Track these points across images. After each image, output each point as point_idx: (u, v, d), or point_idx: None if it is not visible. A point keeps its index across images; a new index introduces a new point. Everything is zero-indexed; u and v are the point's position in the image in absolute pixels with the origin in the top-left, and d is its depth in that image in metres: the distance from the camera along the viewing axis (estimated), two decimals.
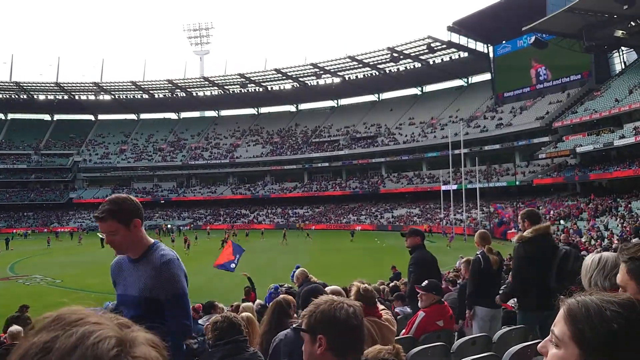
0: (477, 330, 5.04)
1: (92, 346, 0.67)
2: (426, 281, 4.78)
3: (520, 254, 4.78)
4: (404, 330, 4.81)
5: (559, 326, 1.06)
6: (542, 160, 50.02)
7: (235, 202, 72.64)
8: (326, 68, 72.51)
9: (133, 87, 79.43)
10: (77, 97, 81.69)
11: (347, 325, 1.66)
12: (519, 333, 4.20)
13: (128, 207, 2.42)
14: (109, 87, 79.61)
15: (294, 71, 74.15)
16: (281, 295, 5.03)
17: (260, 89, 79.87)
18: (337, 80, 75.65)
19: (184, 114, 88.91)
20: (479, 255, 5.40)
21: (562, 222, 36.81)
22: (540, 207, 43.70)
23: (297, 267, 8.32)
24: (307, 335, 1.70)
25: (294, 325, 1.90)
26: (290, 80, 77.25)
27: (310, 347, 1.70)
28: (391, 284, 10.85)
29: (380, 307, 3.66)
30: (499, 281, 5.89)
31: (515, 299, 5.22)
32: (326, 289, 4.27)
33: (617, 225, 30.27)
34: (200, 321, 6.99)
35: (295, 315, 4.47)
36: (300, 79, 76.61)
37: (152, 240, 2.56)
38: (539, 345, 1.12)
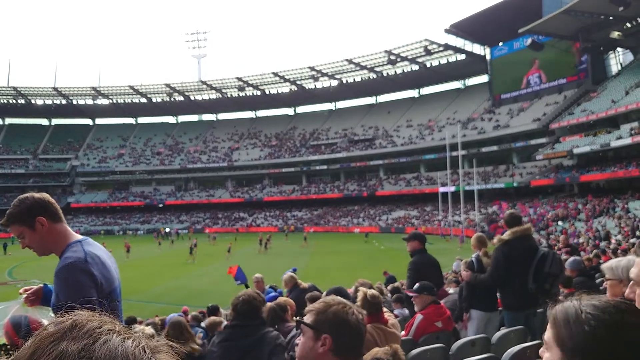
0: (472, 333, 5.05)
1: (132, 355, 0.66)
2: (417, 284, 4.79)
3: (498, 255, 4.91)
4: (403, 333, 4.81)
5: (547, 331, 1.11)
6: (539, 161, 50.13)
7: (234, 205, 72.58)
8: (324, 71, 72.57)
9: (131, 91, 79.36)
10: (74, 102, 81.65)
11: (356, 330, 1.69)
12: (518, 334, 4.22)
13: (27, 206, 2.17)
14: (106, 92, 79.57)
15: (291, 74, 74.17)
16: (279, 299, 5.05)
17: (258, 92, 79.89)
18: (334, 83, 75.73)
19: (182, 118, 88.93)
20: (473, 259, 5.43)
21: (560, 222, 36.88)
22: (538, 208, 43.81)
23: (294, 270, 8.33)
24: (311, 332, 1.70)
25: (297, 318, 1.90)
26: (288, 84, 77.26)
27: (311, 343, 1.69)
28: (389, 286, 10.85)
29: (385, 311, 3.66)
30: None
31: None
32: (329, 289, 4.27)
33: (615, 226, 30.33)
34: (202, 324, 7.02)
35: (293, 319, 4.48)
36: (298, 82, 76.64)
37: (75, 239, 2.25)
38: (541, 350, 1.15)
